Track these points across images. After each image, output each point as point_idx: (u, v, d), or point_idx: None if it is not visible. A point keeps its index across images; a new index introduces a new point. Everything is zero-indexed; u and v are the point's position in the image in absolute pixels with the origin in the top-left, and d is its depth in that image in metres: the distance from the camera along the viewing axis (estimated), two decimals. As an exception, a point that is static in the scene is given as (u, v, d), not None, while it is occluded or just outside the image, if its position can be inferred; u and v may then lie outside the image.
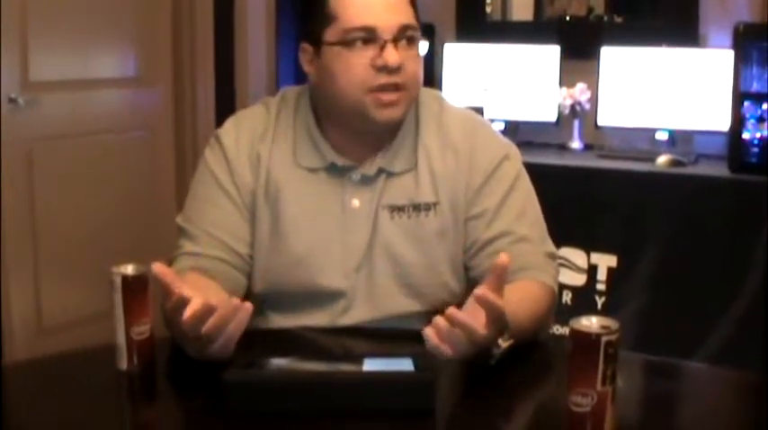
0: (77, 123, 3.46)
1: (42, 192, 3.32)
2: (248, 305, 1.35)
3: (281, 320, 1.68)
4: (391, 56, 1.58)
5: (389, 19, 1.59)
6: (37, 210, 3.30)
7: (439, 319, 1.32)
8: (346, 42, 1.60)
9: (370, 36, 1.59)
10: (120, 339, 1.42)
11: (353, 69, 1.60)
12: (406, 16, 1.61)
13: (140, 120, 3.74)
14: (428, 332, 1.32)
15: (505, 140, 1.76)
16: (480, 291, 1.32)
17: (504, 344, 1.38)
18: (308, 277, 1.66)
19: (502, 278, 1.34)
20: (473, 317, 1.32)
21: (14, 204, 3.20)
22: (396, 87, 1.60)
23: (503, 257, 1.35)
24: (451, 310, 1.31)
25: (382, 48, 1.58)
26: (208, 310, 1.31)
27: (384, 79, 1.59)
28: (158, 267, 1.34)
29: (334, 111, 1.66)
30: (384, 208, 1.67)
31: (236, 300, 1.37)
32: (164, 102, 3.82)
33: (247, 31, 3.94)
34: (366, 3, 1.60)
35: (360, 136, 1.67)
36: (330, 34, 1.61)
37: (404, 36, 1.60)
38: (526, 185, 1.72)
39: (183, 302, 1.31)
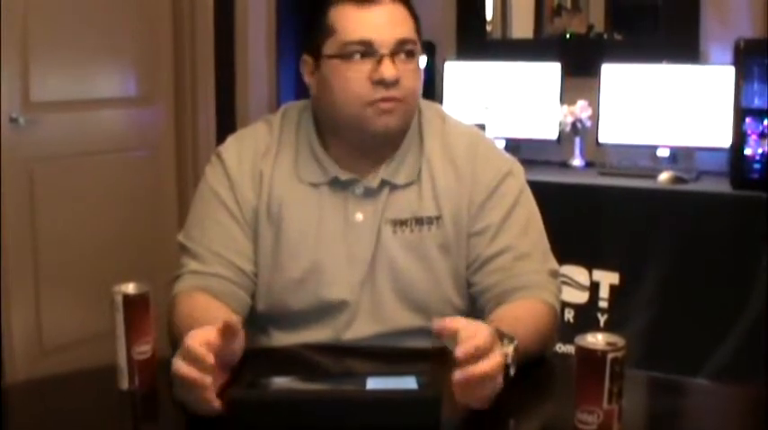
0: (78, 143, 3.45)
1: (43, 211, 3.31)
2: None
3: (284, 337, 1.67)
4: (388, 70, 1.58)
5: (387, 33, 1.59)
6: (38, 230, 3.29)
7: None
8: (344, 55, 1.60)
9: (367, 50, 1.59)
10: (122, 359, 1.41)
11: (351, 83, 1.59)
12: (403, 30, 1.61)
13: (141, 139, 3.74)
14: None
15: (508, 156, 1.76)
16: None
17: (507, 349, 1.33)
18: (311, 293, 1.65)
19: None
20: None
21: (16, 224, 3.19)
22: (393, 101, 1.60)
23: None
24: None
25: (379, 62, 1.58)
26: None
27: (381, 93, 1.59)
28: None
29: (334, 123, 1.66)
30: (387, 222, 1.66)
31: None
32: (165, 121, 3.82)
33: (248, 50, 3.94)
34: (364, 16, 1.59)
35: (361, 149, 1.66)
36: (329, 47, 1.61)
37: (402, 50, 1.60)
38: (529, 202, 1.72)
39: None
